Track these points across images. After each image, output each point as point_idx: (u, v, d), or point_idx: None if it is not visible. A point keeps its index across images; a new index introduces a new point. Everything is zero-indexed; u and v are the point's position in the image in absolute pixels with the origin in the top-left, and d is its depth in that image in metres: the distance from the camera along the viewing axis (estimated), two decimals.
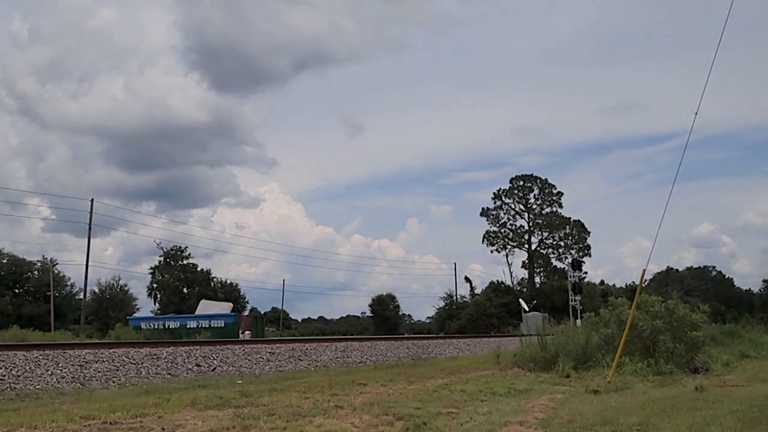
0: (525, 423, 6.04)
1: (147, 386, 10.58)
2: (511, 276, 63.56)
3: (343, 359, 16.86)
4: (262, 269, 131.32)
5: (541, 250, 63.63)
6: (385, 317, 72.77)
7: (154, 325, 29.48)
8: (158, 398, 7.82)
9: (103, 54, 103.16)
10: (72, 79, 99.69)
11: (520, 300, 43.36)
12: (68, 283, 59.91)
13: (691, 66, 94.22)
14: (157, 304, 59.72)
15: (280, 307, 72.96)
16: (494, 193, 64.80)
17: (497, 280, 62.54)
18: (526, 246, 63.67)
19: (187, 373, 12.60)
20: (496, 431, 5.71)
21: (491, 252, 64.39)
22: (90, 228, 45.81)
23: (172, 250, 61.92)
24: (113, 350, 13.34)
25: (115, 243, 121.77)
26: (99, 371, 11.67)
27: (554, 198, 63.84)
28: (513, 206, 64.35)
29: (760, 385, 9.48)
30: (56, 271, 57.06)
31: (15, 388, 10.04)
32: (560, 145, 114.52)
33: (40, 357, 11.74)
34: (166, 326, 28.67)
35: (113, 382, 11.17)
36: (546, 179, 64.26)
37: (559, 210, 63.62)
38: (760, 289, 78.24)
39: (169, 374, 12.33)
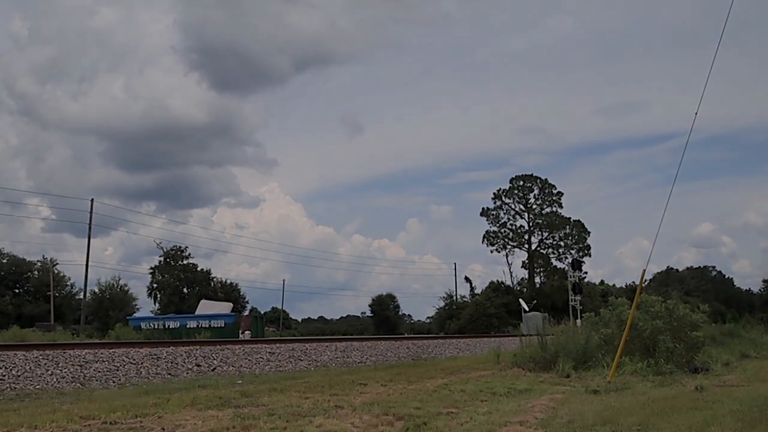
0: (525, 423, 6.04)
1: (147, 386, 10.58)
2: (511, 276, 63.61)
3: (343, 359, 16.86)
4: (262, 269, 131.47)
5: (541, 250, 63.62)
6: (385, 317, 72.75)
7: (154, 325, 29.48)
8: (158, 398, 7.82)
9: (103, 54, 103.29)
10: (72, 79, 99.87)
11: (520, 300, 43.33)
12: (68, 283, 60.00)
13: (691, 66, 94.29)
14: (157, 304, 59.73)
15: (280, 307, 73.05)
16: (494, 193, 64.83)
17: (497, 280, 62.59)
18: (526, 246, 63.66)
19: (187, 373, 12.60)
20: (496, 431, 5.71)
21: (491, 252, 64.41)
22: (90, 228, 45.86)
23: (172, 250, 61.94)
24: (113, 350, 13.33)
25: (115, 243, 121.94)
26: (99, 371, 11.66)
27: (554, 198, 63.82)
28: (513, 206, 64.37)
29: (760, 385, 9.48)
30: (56, 271, 57.18)
31: (15, 388, 10.04)
32: (560, 145, 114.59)
33: (40, 357, 11.74)
34: (166, 326, 28.66)
35: (113, 382, 11.17)
36: (546, 179, 64.30)
37: (559, 210, 63.63)
38: (760, 289, 78.31)
39: (169, 374, 12.33)
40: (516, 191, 64.10)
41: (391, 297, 74.80)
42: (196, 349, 14.57)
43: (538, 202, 64.12)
